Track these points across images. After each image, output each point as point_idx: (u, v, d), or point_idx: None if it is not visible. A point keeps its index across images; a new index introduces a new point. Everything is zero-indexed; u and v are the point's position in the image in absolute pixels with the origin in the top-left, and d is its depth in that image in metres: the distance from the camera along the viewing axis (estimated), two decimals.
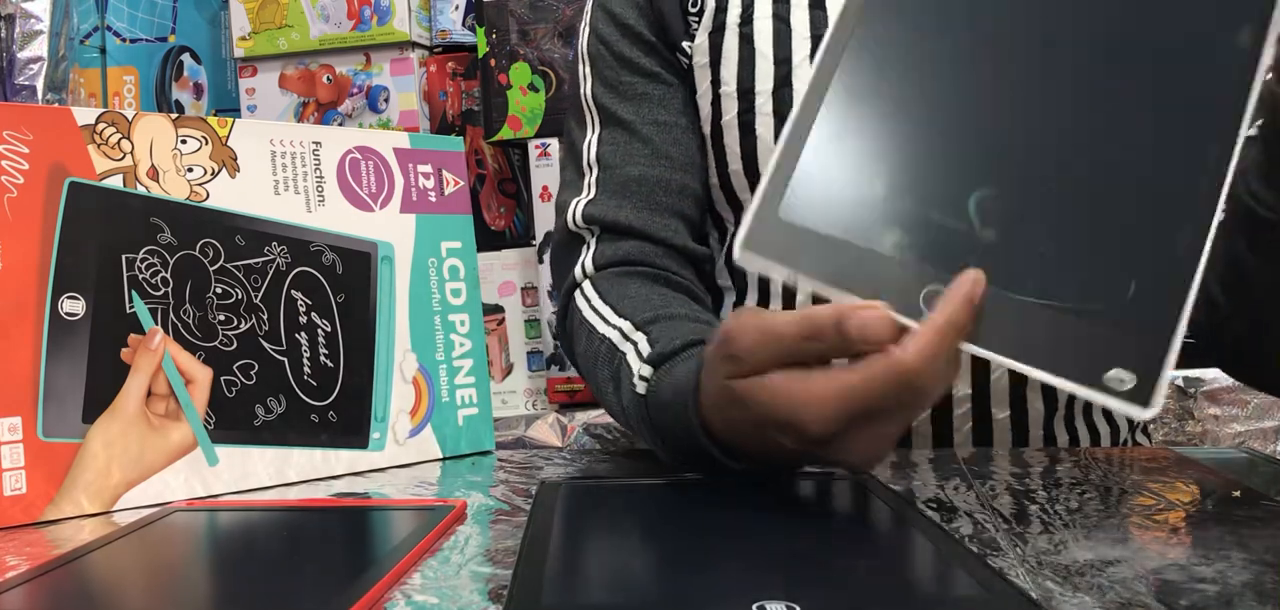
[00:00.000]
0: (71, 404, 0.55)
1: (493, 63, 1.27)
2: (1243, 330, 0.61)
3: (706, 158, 0.77)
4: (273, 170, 0.63)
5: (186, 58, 1.44)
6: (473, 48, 1.32)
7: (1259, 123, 0.55)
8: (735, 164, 0.74)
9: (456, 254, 0.70)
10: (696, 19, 0.76)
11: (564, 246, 0.76)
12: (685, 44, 0.76)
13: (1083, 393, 0.36)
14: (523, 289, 1.32)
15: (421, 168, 0.69)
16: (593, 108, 0.78)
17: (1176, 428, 1.30)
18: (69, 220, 0.56)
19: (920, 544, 0.42)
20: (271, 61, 1.36)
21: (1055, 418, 0.72)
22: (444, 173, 0.70)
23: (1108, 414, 0.75)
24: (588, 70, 0.80)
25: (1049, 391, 0.71)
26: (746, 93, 0.73)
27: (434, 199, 0.69)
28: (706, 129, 0.76)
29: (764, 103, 0.72)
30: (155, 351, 0.57)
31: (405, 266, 0.67)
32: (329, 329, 0.64)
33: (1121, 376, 0.36)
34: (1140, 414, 0.35)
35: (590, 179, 0.76)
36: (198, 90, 1.45)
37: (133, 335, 0.57)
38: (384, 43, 1.32)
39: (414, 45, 1.34)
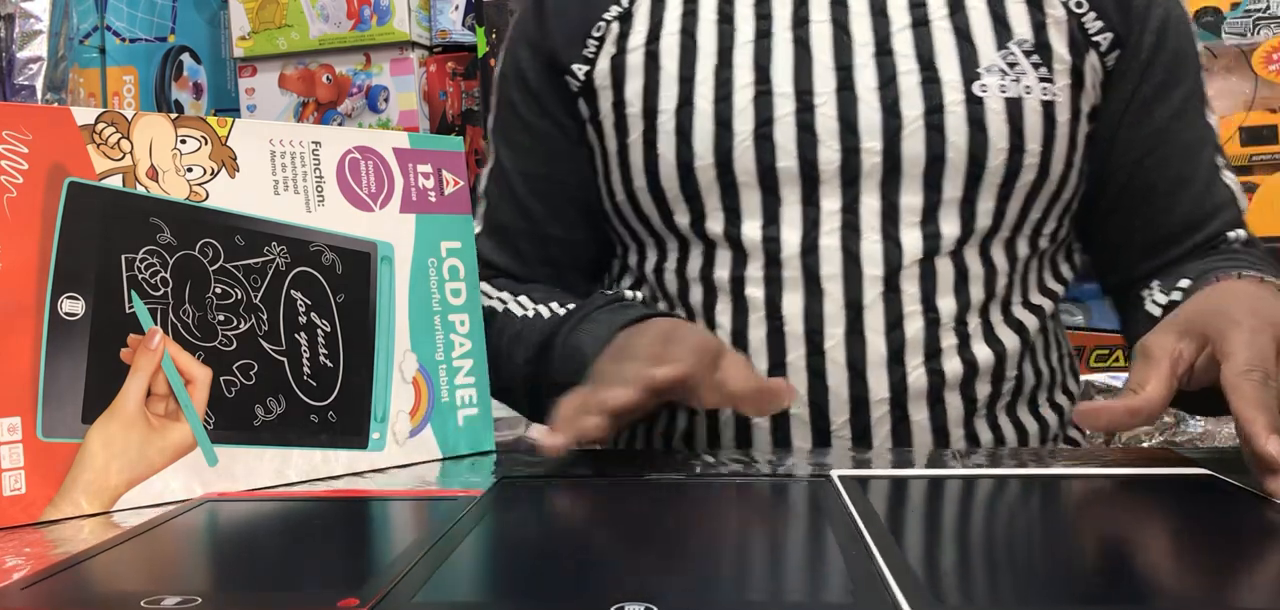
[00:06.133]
0: (71, 404, 0.55)
1: (493, 62, 1.27)
2: None
3: (608, 179, 0.78)
4: (272, 170, 0.63)
5: (186, 58, 1.44)
6: (473, 48, 1.32)
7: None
8: (640, 181, 0.75)
9: (456, 254, 0.70)
10: (598, 44, 0.77)
11: None
12: (577, 67, 0.77)
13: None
14: None
15: (421, 168, 0.69)
16: (490, 141, 0.83)
17: (1177, 428, 1.30)
18: (68, 220, 0.56)
19: (831, 545, 0.43)
20: (271, 61, 1.35)
21: (975, 416, 0.72)
22: (444, 173, 0.70)
23: (1034, 411, 0.76)
24: (493, 102, 0.84)
25: (967, 390, 0.71)
26: (650, 112, 0.74)
27: (434, 199, 0.69)
28: (611, 146, 0.77)
29: (667, 122, 0.73)
30: (155, 351, 0.57)
31: (405, 266, 0.67)
32: (329, 329, 0.63)
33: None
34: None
35: (479, 210, 0.82)
36: (197, 90, 1.45)
37: (132, 335, 0.57)
38: (384, 43, 1.32)
39: (414, 45, 1.34)
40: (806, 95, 0.70)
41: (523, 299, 0.76)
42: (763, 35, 0.72)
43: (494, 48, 1.28)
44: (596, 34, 0.77)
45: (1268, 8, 1.21)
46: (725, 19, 0.73)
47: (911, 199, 0.70)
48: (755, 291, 0.72)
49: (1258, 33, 1.21)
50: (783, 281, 0.71)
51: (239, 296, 0.60)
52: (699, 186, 0.72)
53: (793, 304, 0.71)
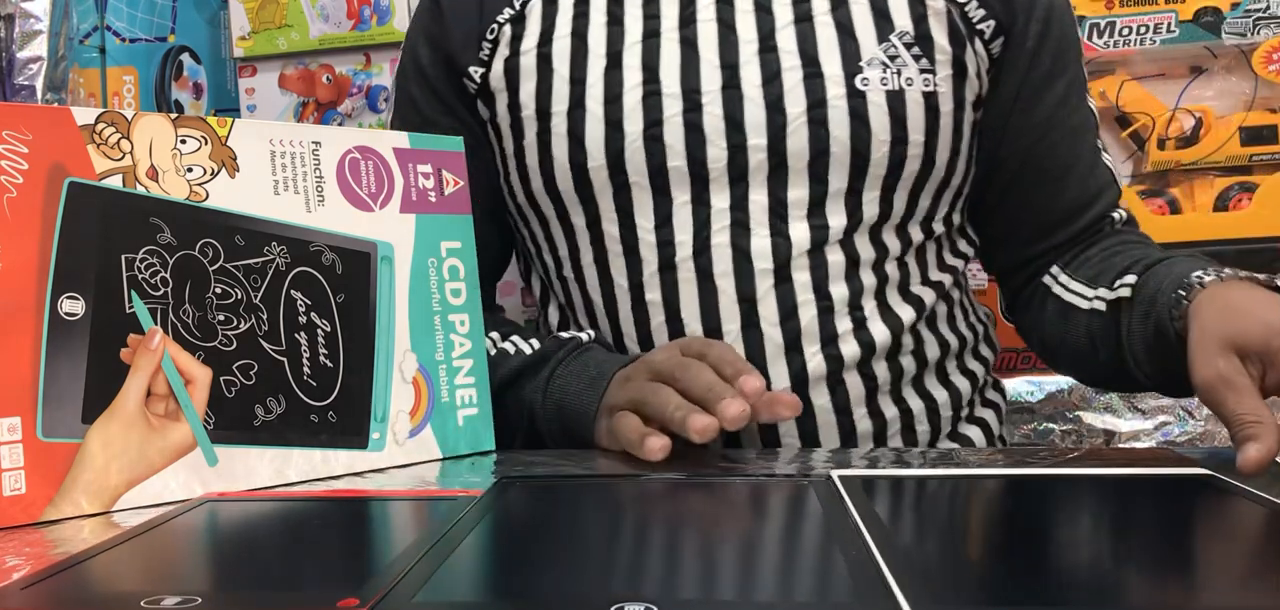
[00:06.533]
0: (71, 404, 0.55)
1: None
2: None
3: (508, 180, 0.79)
4: (272, 170, 0.63)
5: (186, 58, 1.44)
6: None
7: (1146, 312, 0.67)
8: (537, 182, 0.76)
9: (456, 254, 0.70)
10: (492, 47, 0.77)
11: None
12: (473, 69, 0.78)
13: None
14: (522, 289, 1.32)
15: (421, 168, 0.69)
16: None
17: (1177, 429, 1.30)
18: (68, 220, 0.56)
19: (827, 546, 0.43)
20: (271, 61, 1.35)
21: (878, 394, 0.73)
22: (444, 173, 0.70)
23: (944, 380, 0.77)
24: (393, 99, 0.85)
25: (866, 370, 0.72)
26: (544, 114, 0.74)
27: (434, 199, 0.69)
28: (508, 148, 0.78)
29: (559, 123, 0.74)
30: (155, 351, 0.57)
31: (405, 266, 0.67)
32: (329, 329, 0.63)
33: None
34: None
35: None
36: (197, 90, 1.45)
37: (132, 335, 0.57)
38: (384, 43, 1.32)
39: None
40: (694, 94, 0.71)
41: None
42: (650, 35, 0.73)
43: None
44: (490, 36, 0.77)
45: (1268, 8, 1.21)
46: (615, 21, 0.74)
47: (798, 193, 0.71)
48: (654, 295, 0.73)
49: (1258, 33, 1.21)
50: (678, 283, 0.72)
51: (239, 296, 0.60)
52: (593, 187, 0.74)
53: (690, 303, 0.72)
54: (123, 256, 0.57)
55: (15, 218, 0.54)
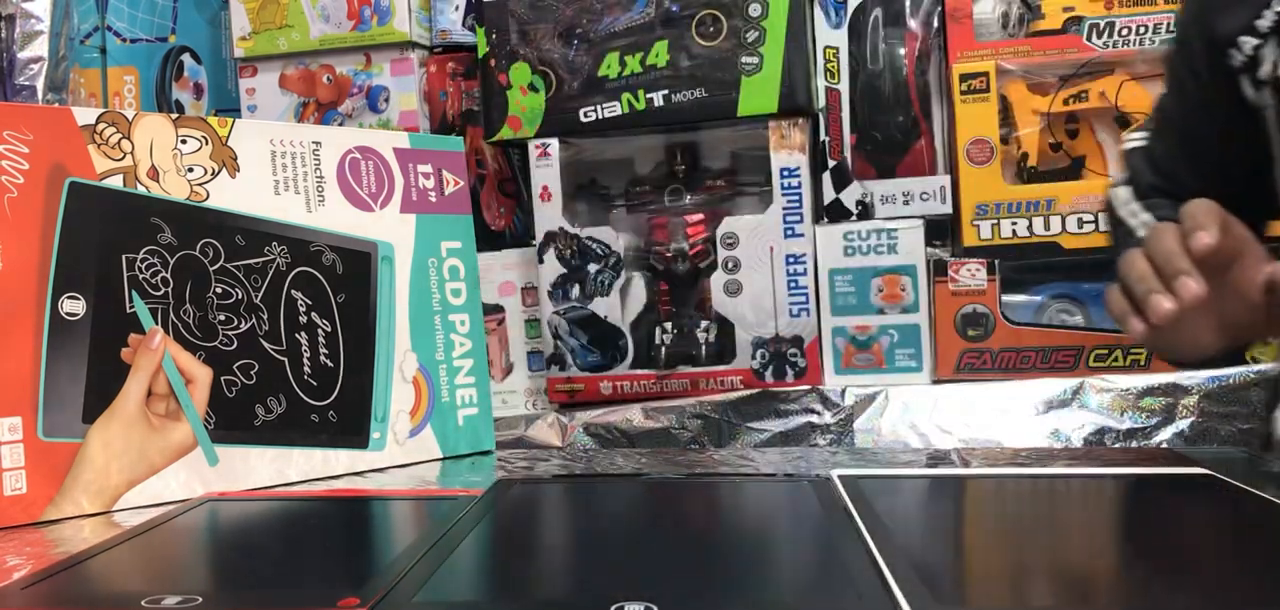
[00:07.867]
0: (72, 404, 0.55)
1: (492, 63, 1.27)
2: None
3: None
4: (273, 170, 0.63)
5: (186, 58, 1.44)
6: (473, 48, 1.32)
7: None
8: None
9: (456, 254, 0.70)
10: (1275, 23, 0.67)
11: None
12: (1242, 39, 0.68)
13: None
14: (523, 289, 1.32)
15: (421, 168, 0.69)
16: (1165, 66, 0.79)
17: (1178, 428, 1.30)
18: (69, 220, 0.56)
19: (827, 546, 0.43)
20: (271, 61, 1.35)
21: None
22: (444, 173, 0.70)
23: None
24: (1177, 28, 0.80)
25: None
26: None
27: (434, 199, 0.69)
28: None
29: None
30: (155, 351, 0.57)
31: (405, 266, 0.67)
32: (329, 329, 0.63)
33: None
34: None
35: (1149, 124, 0.78)
36: (198, 90, 1.45)
37: (133, 335, 0.57)
38: (384, 43, 1.32)
39: (414, 45, 1.33)
40: None
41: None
42: None
43: (494, 48, 1.28)
44: (1276, 10, 0.66)
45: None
46: None
47: None
48: None
49: None
50: None
51: (239, 296, 0.61)
52: None
53: None
54: (123, 256, 0.57)
55: (16, 218, 0.54)
